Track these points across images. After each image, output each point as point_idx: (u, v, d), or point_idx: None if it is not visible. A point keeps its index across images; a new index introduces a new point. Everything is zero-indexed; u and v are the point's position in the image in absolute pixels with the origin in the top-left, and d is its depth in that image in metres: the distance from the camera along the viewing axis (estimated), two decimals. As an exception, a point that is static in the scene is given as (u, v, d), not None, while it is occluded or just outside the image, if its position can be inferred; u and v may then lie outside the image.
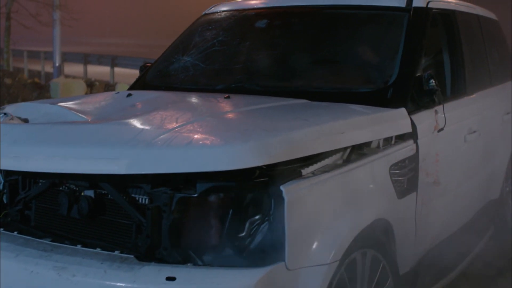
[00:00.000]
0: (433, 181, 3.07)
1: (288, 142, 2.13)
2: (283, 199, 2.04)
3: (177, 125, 2.24)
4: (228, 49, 3.44)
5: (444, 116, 3.11)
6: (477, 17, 4.20)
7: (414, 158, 2.84)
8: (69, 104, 2.86)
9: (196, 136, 2.11)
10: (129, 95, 2.93)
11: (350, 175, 2.35)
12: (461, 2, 3.94)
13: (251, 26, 3.55)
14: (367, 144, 2.62)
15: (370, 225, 2.39)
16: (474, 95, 3.72)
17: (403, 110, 2.85)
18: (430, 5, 3.39)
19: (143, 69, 3.82)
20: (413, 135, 2.86)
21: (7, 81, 12.04)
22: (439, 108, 3.11)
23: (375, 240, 2.47)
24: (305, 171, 2.22)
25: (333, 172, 2.27)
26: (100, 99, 3.00)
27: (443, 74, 3.68)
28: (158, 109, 2.54)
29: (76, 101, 3.00)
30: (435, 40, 3.79)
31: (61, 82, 11.74)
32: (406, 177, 2.80)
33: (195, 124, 2.25)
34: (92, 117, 2.58)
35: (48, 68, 18.07)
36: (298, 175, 2.18)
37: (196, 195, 2.08)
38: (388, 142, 2.75)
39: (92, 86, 12.46)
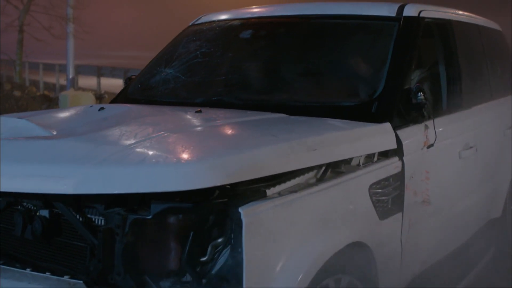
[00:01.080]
0: (423, 200, 2.90)
1: (249, 160, 1.98)
2: (241, 221, 1.89)
3: (134, 141, 2.10)
4: (210, 61, 3.31)
5: (435, 131, 2.93)
6: (477, 27, 4.02)
7: (399, 176, 2.67)
8: (39, 118, 2.74)
9: (150, 153, 1.97)
10: (101, 108, 2.81)
11: (322, 195, 2.19)
12: (459, 12, 3.76)
13: (235, 37, 3.41)
14: (347, 161, 2.46)
15: (345, 249, 2.22)
16: (471, 109, 3.53)
17: (387, 125, 2.68)
18: (422, 15, 3.23)
19: (128, 82, 3.71)
20: (398, 152, 2.69)
21: (17, 93, 12.04)
22: (429, 122, 2.94)
23: (351, 265, 2.30)
24: (271, 191, 2.06)
25: (302, 192, 2.11)
26: (72, 113, 2.88)
27: (438, 87, 3.52)
28: (122, 124, 2.41)
29: (48, 115, 2.89)
30: (429, 51, 3.62)
31: (70, 95, 11.71)
32: (390, 197, 2.63)
33: (154, 140, 2.11)
34: (57, 132, 2.46)
35: (63, 81, 18.12)
36: (262, 196, 2.03)
37: (150, 216, 1.93)
38: (370, 159, 2.59)
39: (101, 99, 12.42)
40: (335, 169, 2.40)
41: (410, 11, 3.18)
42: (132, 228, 1.94)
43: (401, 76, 2.89)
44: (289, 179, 2.15)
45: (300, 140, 2.21)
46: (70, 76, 16.70)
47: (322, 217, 2.17)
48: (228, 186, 1.97)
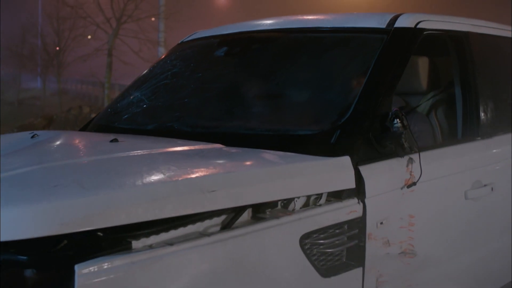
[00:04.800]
0: (402, 252, 2.36)
1: (103, 204, 1.59)
2: (73, 283, 1.50)
3: None
4: (176, 83, 2.94)
5: (420, 167, 2.38)
6: (514, 41, 3.38)
7: (357, 223, 2.16)
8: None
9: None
10: (34, 135, 2.52)
11: (215, 248, 1.74)
12: (484, 23, 3.15)
13: (207, 57, 3.04)
14: (275, 205, 1.99)
15: None
16: (493, 138, 2.92)
17: (345, 159, 2.18)
18: (422, 26, 2.69)
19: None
20: (358, 193, 2.18)
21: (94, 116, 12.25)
22: (415, 156, 2.39)
23: None
24: (141, 242, 1.66)
25: (181, 245, 1.68)
26: (8, 140, 2.62)
27: (450, 113, 2.96)
28: (15, 154, 2.11)
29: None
30: (436, 69, 3.07)
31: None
32: (344, 248, 2.13)
33: (10, 176, 1.78)
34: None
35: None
36: (125, 248, 1.63)
37: None
38: (316, 201, 2.10)
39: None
40: (257, 214, 1.95)
41: (405, 21, 2.66)
42: None
43: (377, 99, 2.37)
44: (175, 227, 1.74)
45: (192, 179, 1.79)
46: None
47: (213, 277, 1.73)
48: (99, 234, 1.61)
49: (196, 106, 2.71)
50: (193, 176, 1.82)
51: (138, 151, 2.09)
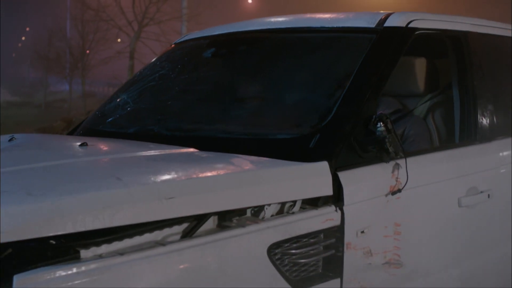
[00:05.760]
0: (386, 262, 2.24)
1: (46, 212, 1.51)
2: None
3: None
4: (162, 85, 2.88)
5: (407, 173, 2.26)
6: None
7: (334, 232, 2.05)
8: None
9: None
10: (12, 139, 2.47)
11: (171, 258, 1.66)
12: (481, 21, 3.01)
13: (193, 58, 2.97)
14: (243, 212, 1.91)
15: None
16: (491, 143, 2.78)
17: (322, 165, 2.07)
18: (414, 25, 2.57)
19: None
20: (336, 200, 2.08)
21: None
22: (402, 161, 2.28)
23: None
24: (91, 251, 1.59)
25: (132, 255, 1.59)
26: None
27: (451, 116, 2.83)
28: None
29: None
30: (432, 71, 2.94)
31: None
32: (320, 257, 2.02)
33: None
34: None
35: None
36: (74, 258, 1.56)
37: None
38: (290, 209, 2.01)
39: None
40: (223, 222, 1.86)
41: (395, 21, 2.55)
42: None
43: (361, 101, 2.26)
44: (129, 236, 1.66)
45: (148, 186, 1.71)
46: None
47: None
48: (50, 242, 1.55)
49: (176, 109, 2.64)
50: (151, 182, 1.74)
51: (103, 156, 2.02)
